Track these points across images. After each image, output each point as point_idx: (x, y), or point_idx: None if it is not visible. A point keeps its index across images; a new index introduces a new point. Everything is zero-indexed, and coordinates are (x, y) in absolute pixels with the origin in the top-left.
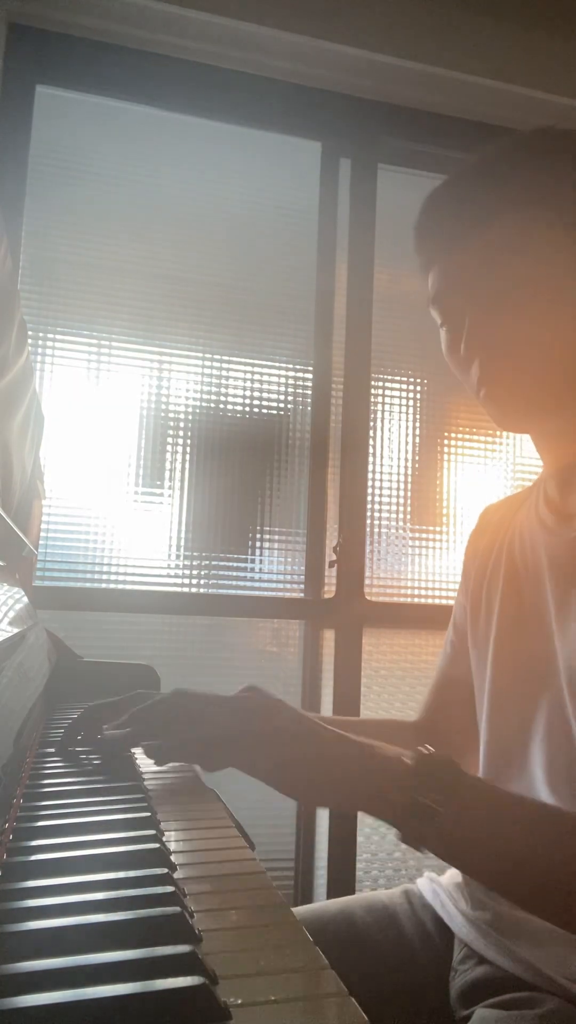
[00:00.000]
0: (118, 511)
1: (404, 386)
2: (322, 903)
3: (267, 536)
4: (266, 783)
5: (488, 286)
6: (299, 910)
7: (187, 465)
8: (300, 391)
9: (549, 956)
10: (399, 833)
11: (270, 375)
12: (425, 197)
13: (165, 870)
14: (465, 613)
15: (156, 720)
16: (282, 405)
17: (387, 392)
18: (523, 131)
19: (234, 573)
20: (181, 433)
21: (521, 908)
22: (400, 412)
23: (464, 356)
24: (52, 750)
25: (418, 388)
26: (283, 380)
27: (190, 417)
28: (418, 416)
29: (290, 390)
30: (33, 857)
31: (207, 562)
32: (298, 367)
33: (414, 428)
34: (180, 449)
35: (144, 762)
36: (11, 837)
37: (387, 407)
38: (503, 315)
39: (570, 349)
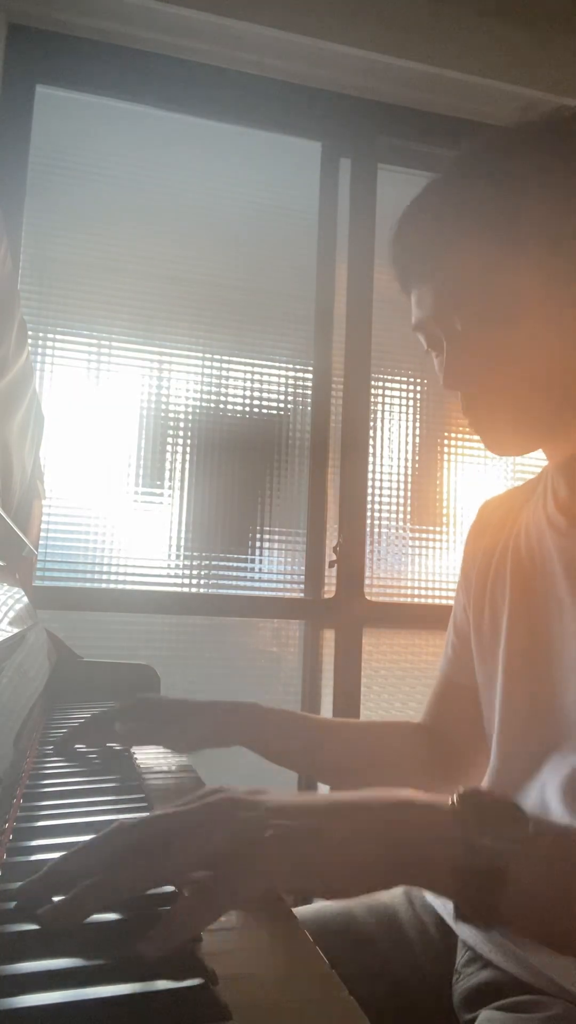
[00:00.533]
0: (118, 511)
1: (404, 386)
2: (322, 903)
3: (267, 536)
4: (294, 891)
5: (460, 318)
6: (299, 910)
7: (187, 465)
8: (300, 391)
9: (555, 960)
10: (459, 907)
11: (270, 375)
12: (396, 223)
13: None
14: (466, 614)
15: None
16: (282, 405)
17: (387, 392)
18: (476, 143)
19: (234, 573)
20: (181, 433)
21: None
22: (400, 412)
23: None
24: (53, 748)
25: (418, 388)
26: (283, 380)
27: (190, 417)
28: (418, 416)
29: (290, 390)
30: (33, 857)
31: (207, 562)
32: (298, 367)
33: (414, 428)
34: (180, 449)
35: (144, 762)
36: (11, 837)
37: (387, 407)
38: (477, 347)
39: (548, 377)
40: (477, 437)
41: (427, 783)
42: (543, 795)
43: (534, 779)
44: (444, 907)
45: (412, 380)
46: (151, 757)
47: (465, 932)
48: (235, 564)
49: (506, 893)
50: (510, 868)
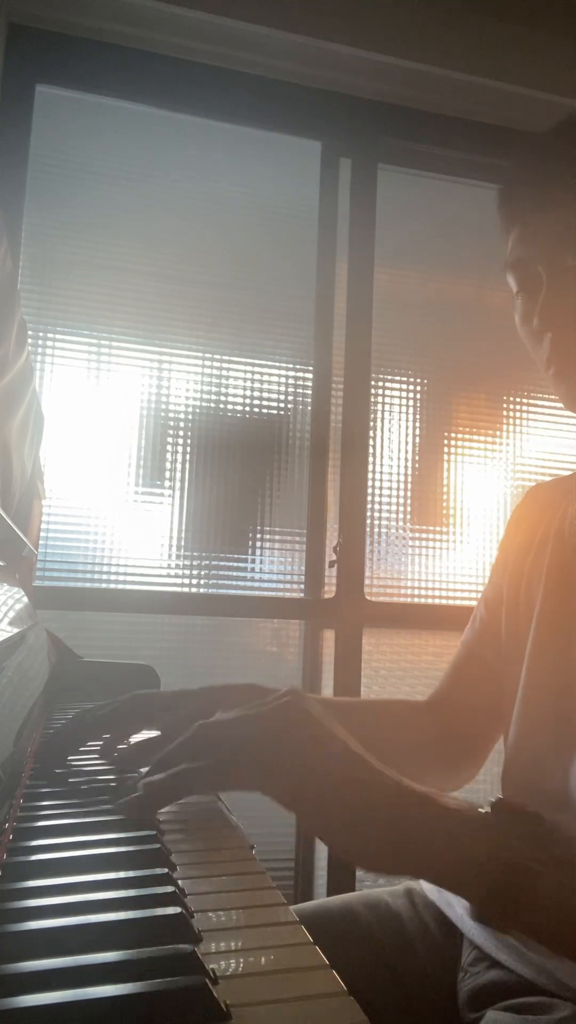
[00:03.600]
0: (118, 511)
1: (404, 386)
2: (322, 900)
3: (267, 536)
4: (320, 838)
5: (570, 256)
6: (298, 908)
7: (187, 465)
8: (300, 391)
9: (564, 961)
10: (477, 911)
11: (270, 375)
12: (522, 152)
13: (165, 870)
14: (500, 593)
15: (188, 761)
16: (282, 405)
17: (387, 392)
18: None
19: (234, 573)
20: (181, 433)
21: None
22: (400, 412)
23: (536, 329)
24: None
25: (418, 388)
26: (283, 380)
27: (190, 417)
28: (418, 416)
29: (290, 390)
30: (33, 857)
31: (207, 562)
32: (298, 367)
33: (414, 428)
34: (180, 449)
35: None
36: (11, 837)
37: (387, 407)
38: None
39: None
40: (554, 390)
41: (430, 762)
42: (567, 792)
43: (555, 774)
44: (448, 906)
45: (412, 380)
46: None
47: (473, 931)
48: (235, 564)
49: (526, 902)
50: (533, 880)
